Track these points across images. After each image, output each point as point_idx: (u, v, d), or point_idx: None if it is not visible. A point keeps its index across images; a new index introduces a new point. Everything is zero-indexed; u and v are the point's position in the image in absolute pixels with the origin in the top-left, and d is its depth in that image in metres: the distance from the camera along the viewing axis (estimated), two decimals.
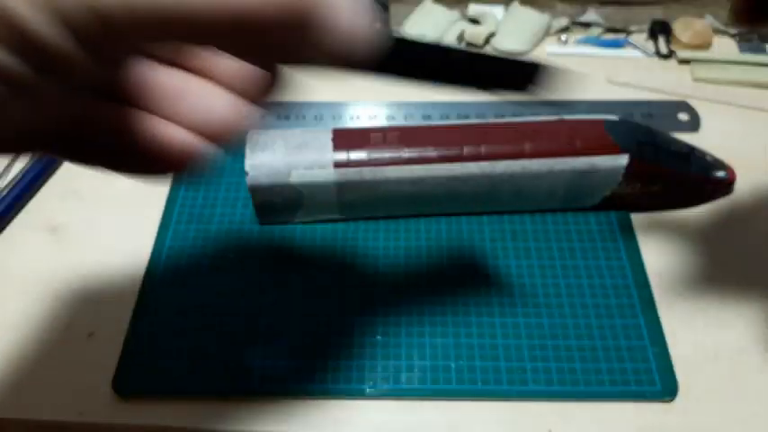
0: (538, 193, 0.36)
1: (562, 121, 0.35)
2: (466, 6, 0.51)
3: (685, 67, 0.48)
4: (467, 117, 0.44)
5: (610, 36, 0.50)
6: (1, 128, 0.17)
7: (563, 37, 0.50)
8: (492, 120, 0.37)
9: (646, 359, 0.32)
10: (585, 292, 0.34)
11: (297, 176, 0.34)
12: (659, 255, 0.36)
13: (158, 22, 0.15)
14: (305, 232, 0.37)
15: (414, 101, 0.45)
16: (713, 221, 0.38)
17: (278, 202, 0.35)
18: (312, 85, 0.47)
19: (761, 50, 0.48)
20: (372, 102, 0.45)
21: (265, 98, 0.19)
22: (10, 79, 0.15)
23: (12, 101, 0.16)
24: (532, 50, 0.49)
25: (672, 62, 0.48)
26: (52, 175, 0.41)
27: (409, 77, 0.20)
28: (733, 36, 0.50)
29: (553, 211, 0.38)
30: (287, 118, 0.44)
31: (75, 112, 0.18)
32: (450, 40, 0.48)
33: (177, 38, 0.16)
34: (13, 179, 0.39)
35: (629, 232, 0.37)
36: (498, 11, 0.50)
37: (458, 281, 0.35)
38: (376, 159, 0.34)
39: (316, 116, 0.44)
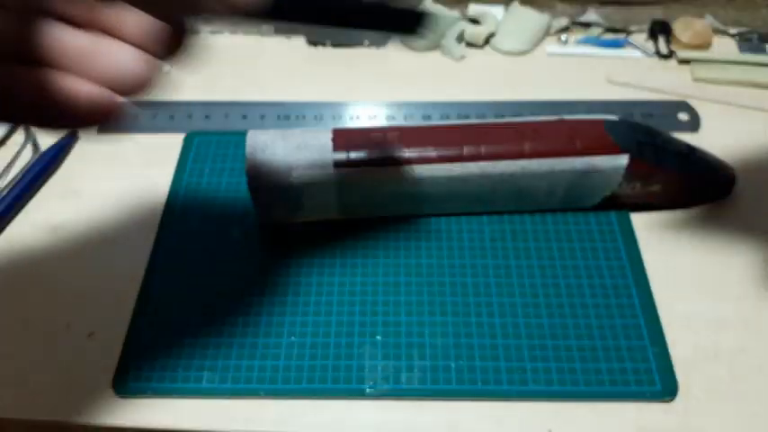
0: (538, 194, 0.36)
1: (562, 121, 0.35)
2: (466, 6, 0.51)
3: (685, 67, 0.48)
4: (467, 117, 0.44)
5: (610, 36, 0.50)
6: None
7: (563, 37, 0.50)
8: (492, 120, 0.37)
9: (646, 359, 0.32)
10: (585, 292, 0.34)
11: (297, 176, 0.34)
12: (659, 255, 0.36)
13: None
14: (305, 232, 0.37)
15: (414, 101, 0.45)
16: (713, 221, 0.38)
17: (278, 202, 0.35)
18: (312, 86, 0.46)
19: (761, 50, 0.48)
20: (372, 102, 0.45)
21: (171, 51, 0.21)
22: None
23: None
24: (532, 50, 0.49)
25: (672, 62, 0.48)
26: (52, 175, 0.41)
27: (303, 22, 0.22)
28: (733, 36, 0.50)
29: (553, 211, 0.38)
30: (287, 118, 0.44)
31: None
32: (450, 39, 0.48)
33: None
34: (13, 179, 0.39)
35: (629, 232, 0.37)
36: (498, 11, 0.50)
37: (458, 281, 0.35)
38: (376, 159, 0.34)
39: (316, 116, 0.44)
